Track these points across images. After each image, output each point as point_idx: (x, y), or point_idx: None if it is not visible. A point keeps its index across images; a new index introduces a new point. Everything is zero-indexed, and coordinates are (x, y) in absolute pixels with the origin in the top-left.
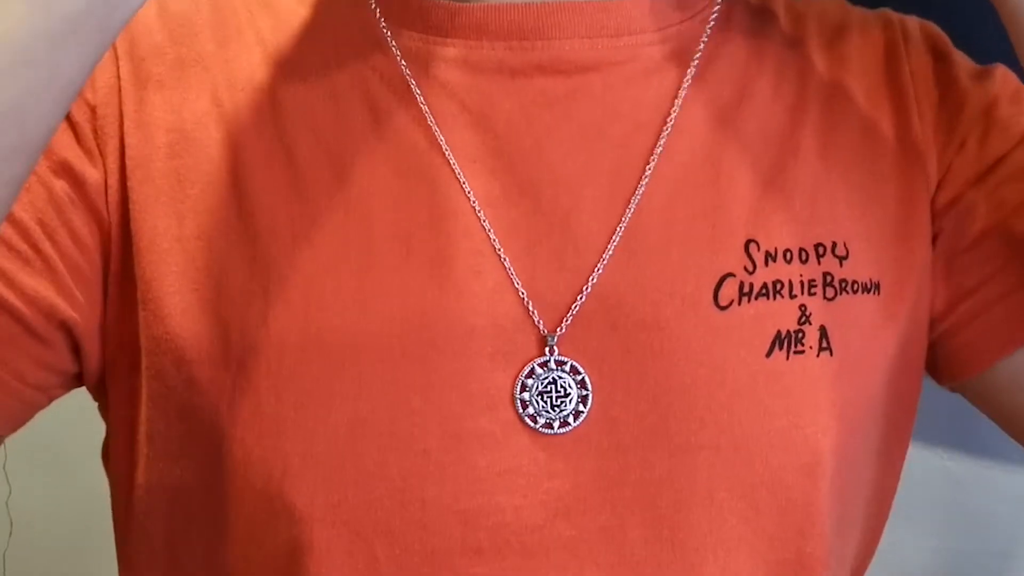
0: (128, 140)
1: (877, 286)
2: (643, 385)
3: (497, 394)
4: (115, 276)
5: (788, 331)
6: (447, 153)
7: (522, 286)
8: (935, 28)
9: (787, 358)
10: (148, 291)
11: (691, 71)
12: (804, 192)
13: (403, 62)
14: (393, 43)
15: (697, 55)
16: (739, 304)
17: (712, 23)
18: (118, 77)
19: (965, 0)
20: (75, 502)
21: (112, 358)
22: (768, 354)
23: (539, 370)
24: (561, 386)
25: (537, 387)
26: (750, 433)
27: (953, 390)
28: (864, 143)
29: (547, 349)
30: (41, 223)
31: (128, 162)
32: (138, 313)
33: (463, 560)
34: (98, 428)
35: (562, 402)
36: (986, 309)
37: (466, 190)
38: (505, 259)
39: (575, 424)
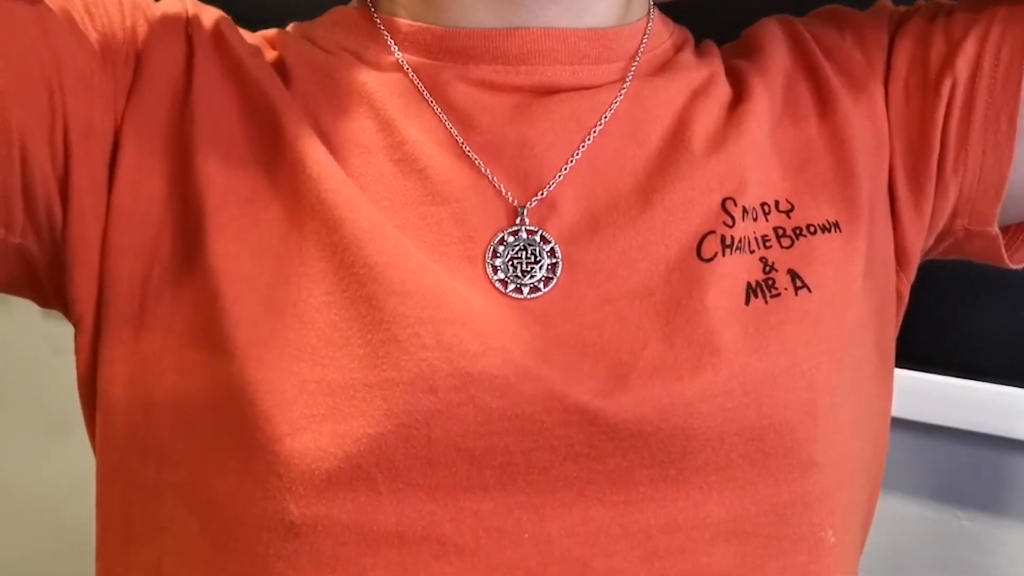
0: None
1: (836, 225)
2: (646, 345)
3: (501, 334)
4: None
5: (757, 281)
6: (462, 145)
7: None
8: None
9: (766, 303)
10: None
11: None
12: (746, 163)
13: (410, 70)
14: (402, 59)
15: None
16: (723, 256)
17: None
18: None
19: None
20: None
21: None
22: (747, 303)
23: (509, 238)
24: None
25: (508, 253)
26: (759, 377)
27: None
28: (788, 114)
29: (518, 220)
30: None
31: (197, 92)
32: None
33: (468, 496)
34: None
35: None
36: (969, 110)
37: (483, 170)
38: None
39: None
